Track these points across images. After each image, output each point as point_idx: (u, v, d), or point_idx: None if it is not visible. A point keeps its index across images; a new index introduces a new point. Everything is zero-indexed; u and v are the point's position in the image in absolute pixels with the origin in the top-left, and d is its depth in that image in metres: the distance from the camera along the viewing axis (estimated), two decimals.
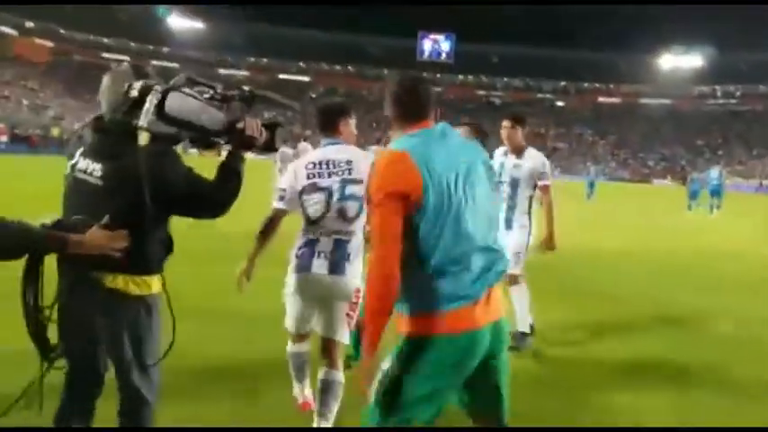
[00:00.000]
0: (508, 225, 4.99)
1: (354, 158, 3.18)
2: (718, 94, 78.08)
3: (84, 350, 2.35)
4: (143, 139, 2.13)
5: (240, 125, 2.33)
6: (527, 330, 4.96)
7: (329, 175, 3.14)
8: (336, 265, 3.06)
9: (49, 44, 65.95)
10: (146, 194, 2.10)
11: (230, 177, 2.34)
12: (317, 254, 3.09)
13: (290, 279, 3.21)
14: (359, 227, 3.14)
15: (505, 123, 5.03)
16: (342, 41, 77.88)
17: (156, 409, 2.45)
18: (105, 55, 69.03)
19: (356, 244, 3.14)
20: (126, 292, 2.23)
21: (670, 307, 6.72)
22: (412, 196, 2.02)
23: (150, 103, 2.12)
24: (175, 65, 66.55)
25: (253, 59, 79.79)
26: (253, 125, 2.35)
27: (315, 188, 3.13)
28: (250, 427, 3.32)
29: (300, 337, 3.38)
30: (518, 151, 5.05)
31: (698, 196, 23.36)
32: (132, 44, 74.20)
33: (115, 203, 2.17)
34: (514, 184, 4.99)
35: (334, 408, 3.16)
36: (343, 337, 3.20)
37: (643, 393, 4.18)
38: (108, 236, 2.12)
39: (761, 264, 10.41)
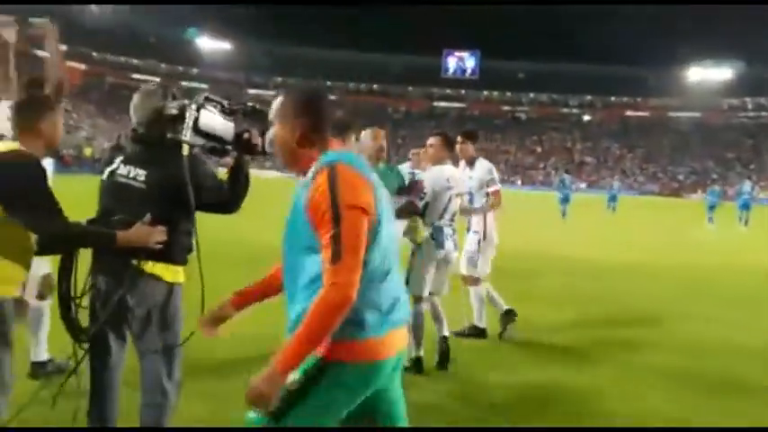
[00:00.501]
0: (468, 230, 5.65)
1: None
2: (749, 106, 76.79)
3: (115, 332, 2.63)
4: (185, 149, 2.48)
5: (246, 135, 2.67)
6: (482, 326, 5.51)
7: None
8: None
9: (82, 66, 67.66)
10: (189, 196, 2.44)
11: (241, 179, 2.73)
12: None
13: None
14: None
15: (459, 139, 5.50)
16: (366, 60, 78.71)
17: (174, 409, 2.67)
18: (136, 76, 70.52)
19: None
20: (162, 278, 2.56)
21: (678, 316, 6.76)
22: (370, 216, 1.84)
23: (189, 119, 2.48)
24: (204, 85, 67.84)
25: (280, 79, 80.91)
26: (257, 135, 2.68)
27: None
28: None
29: None
30: (470, 163, 5.61)
31: (715, 208, 22.84)
32: (162, 65, 75.94)
33: (156, 204, 2.50)
34: (470, 193, 5.54)
35: None
36: None
37: (643, 393, 4.24)
38: (150, 231, 2.45)
39: None
